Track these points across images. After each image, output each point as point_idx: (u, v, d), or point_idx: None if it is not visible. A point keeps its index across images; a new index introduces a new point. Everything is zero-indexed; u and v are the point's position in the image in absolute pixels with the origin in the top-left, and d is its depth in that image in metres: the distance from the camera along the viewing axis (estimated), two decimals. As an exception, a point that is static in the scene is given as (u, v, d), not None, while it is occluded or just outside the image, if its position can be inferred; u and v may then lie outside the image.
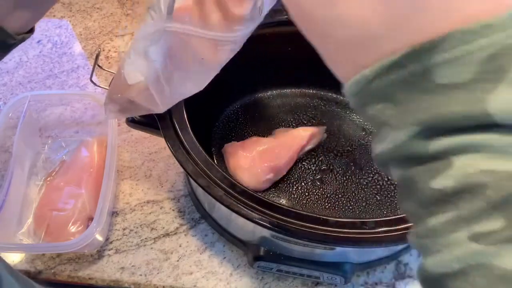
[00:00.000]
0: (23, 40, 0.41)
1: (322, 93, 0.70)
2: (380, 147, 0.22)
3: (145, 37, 0.41)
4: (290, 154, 0.60)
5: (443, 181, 0.19)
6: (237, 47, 0.44)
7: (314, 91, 0.70)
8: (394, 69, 0.19)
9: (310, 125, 0.66)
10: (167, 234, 0.59)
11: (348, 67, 0.21)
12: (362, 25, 0.19)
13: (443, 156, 0.19)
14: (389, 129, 0.20)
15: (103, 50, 0.78)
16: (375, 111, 0.20)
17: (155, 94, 0.45)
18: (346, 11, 0.19)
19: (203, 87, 0.47)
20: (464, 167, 0.18)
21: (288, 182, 0.61)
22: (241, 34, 0.43)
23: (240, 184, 0.46)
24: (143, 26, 0.41)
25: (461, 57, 0.17)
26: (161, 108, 0.47)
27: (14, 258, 0.56)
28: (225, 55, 0.44)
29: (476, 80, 0.18)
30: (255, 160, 0.58)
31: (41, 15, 0.42)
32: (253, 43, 0.62)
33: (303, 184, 0.60)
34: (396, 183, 0.22)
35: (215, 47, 0.42)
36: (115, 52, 0.78)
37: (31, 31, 0.43)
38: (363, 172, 0.62)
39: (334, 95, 0.69)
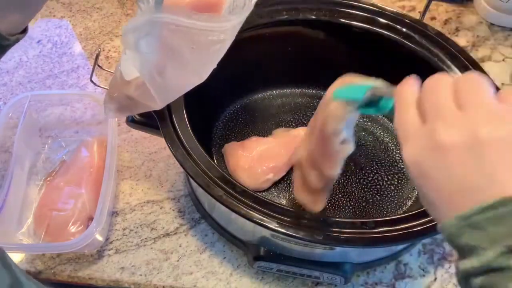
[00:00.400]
0: (17, 40, 0.42)
1: (322, 93, 0.69)
2: (468, 264, 0.29)
3: (133, 29, 0.41)
4: (290, 154, 0.60)
5: None
6: (228, 37, 0.44)
7: (314, 91, 0.70)
8: (488, 210, 0.27)
9: (310, 125, 0.66)
10: (167, 234, 0.59)
11: (449, 209, 0.30)
12: (465, 182, 0.29)
13: None
14: (478, 250, 0.28)
15: (103, 50, 0.78)
16: (468, 238, 0.28)
17: (151, 88, 0.45)
18: (457, 172, 0.29)
19: (201, 81, 0.47)
20: None
21: (288, 182, 0.61)
22: (230, 24, 0.43)
23: (240, 184, 0.46)
24: (131, 19, 0.41)
25: None
26: (159, 104, 0.47)
27: (14, 258, 0.56)
28: (217, 45, 0.44)
29: None
30: (255, 160, 0.58)
31: (33, 15, 0.43)
32: (253, 43, 0.62)
33: (303, 184, 0.60)
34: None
35: (205, 37, 0.42)
36: (115, 52, 0.78)
37: (24, 31, 0.43)
38: (363, 172, 0.62)
39: (334, 95, 0.69)
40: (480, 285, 0.28)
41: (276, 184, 0.60)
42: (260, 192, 0.59)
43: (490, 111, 0.30)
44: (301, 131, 0.62)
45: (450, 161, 0.30)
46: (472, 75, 0.32)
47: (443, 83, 0.32)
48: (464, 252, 0.29)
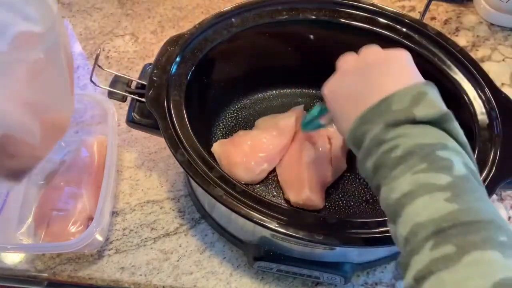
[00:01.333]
0: None
1: (322, 93, 0.70)
2: (363, 148, 0.38)
3: None
4: (283, 143, 0.60)
5: (397, 152, 0.35)
6: None
7: (314, 91, 0.70)
8: (375, 108, 0.38)
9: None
10: (167, 234, 0.59)
11: (352, 118, 0.39)
12: (360, 94, 0.40)
13: (395, 137, 0.36)
14: (369, 132, 0.38)
15: (103, 50, 0.78)
16: (363, 128, 0.38)
17: None
18: (354, 87, 0.42)
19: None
20: (399, 140, 0.36)
21: (288, 182, 0.61)
22: None
23: (238, 180, 0.46)
24: None
25: (398, 98, 0.37)
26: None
27: (14, 258, 0.56)
28: None
29: (410, 106, 0.36)
30: (248, 153, 0.58)
31: None
32: (253, 43, 0.62)
33: (303, 184, 0.60)
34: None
35: None
36: (115, 52, 0.78)
37: None
38: (363, 172, 0.62)
39: (334, 95, 0.69)
40: (373, 162, 0.37)
41: (277, 183, 0.60)
42: (257, 184, 0.59)
43: (376, 52, 0.43)
44: (287, 120, 0.62)
45: (349, 80, 0.42)
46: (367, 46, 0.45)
47: (351, 53, 0.45)
48: (361, 142, 0.38)
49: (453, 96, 0.55)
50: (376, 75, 0.40)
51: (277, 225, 0.44)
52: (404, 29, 0.59)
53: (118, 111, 0.67)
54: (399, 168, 0.35)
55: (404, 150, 0.35)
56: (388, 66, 0.41)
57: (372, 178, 0.38)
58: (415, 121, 0.36)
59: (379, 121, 0.37)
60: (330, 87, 0.44)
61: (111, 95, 0.55)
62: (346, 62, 0.44)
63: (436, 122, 0.36)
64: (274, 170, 0.61)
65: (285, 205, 0.57)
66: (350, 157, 0.63)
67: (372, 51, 0.43)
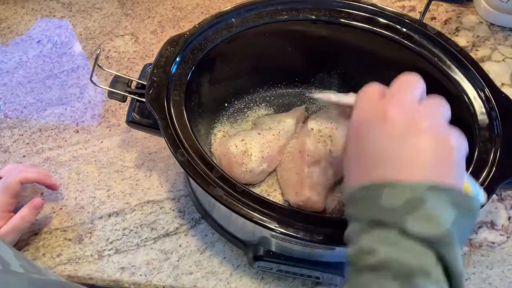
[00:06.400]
0: None
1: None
2: (349, 229, 0.36)
3: None
4: (283, 143, 0.60)
5: (371, 258, 0.32)
6: None
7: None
8: (364, 188, 0.34)
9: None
10: (167, 234, 0.59)
11: (358, 175, 0.36)
12: (381, 156, 0.34)
13: (374, 241, 0.33)
14: (354, 216, 0.36)
15: (103, 50, 0.78)
16: (355, 207, 0.36)
17: None
18: (381, 142, 0.35)
19: None
20: (376, 246, 0.32)
21: (288, 182, 0.61)
22: None
23: (237, 182, 0.46)
24: None
25: (391, 193, 0.32)
26: None
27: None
28: None
29: (403, 210, 0.31)
30: (247, 154, 0.58)
31: None
32: (253, 43, 0.62)
33: (303, 184, 0.60)
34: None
35: None
36: (115, 52, 0.78)
37: None
38: (363, 172, 0.61)
39: (334, 95, 0.69)
40: (350, 252, 0.33)
41: (276, 183, 0.60)
42: (257, 184, 0.59)
43: (440, 117, 0.35)
44: (287, 120, 0.61)
45: (384, 130, 0.34)
46: (435, 97, 0.37)
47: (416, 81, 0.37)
48: (350, 216, 0.35)
49: (453, 96, 0.55)
50: (414, 147, 0.33)
51: (277, 225, 0.44)
52: (404, 29, 0.59)
53: (118, 111, 0.67)
54: (368, 276, 0.31)
55: (379, 260, 0.30)
56: (436, 147, 0.33)
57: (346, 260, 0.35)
58: (404, 232, 0.31)
59: (364, 210, 0.33)
60: (363, 120, 0.37)
61: (111, 95, 0.55)
62: (397, 108, 0.35)
63: (430, 242, 0.30)
64: (274, 170, 0.61)
65: (285, 205, 0.57)
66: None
67: (439, 113, 0.35)
